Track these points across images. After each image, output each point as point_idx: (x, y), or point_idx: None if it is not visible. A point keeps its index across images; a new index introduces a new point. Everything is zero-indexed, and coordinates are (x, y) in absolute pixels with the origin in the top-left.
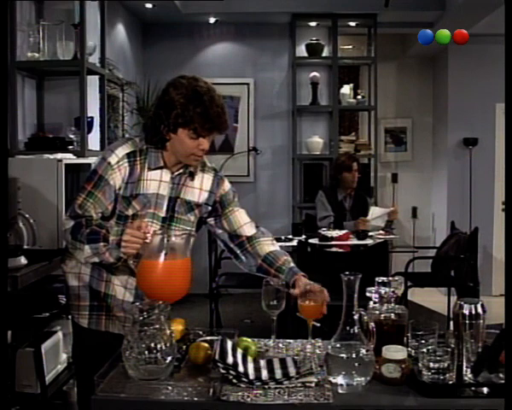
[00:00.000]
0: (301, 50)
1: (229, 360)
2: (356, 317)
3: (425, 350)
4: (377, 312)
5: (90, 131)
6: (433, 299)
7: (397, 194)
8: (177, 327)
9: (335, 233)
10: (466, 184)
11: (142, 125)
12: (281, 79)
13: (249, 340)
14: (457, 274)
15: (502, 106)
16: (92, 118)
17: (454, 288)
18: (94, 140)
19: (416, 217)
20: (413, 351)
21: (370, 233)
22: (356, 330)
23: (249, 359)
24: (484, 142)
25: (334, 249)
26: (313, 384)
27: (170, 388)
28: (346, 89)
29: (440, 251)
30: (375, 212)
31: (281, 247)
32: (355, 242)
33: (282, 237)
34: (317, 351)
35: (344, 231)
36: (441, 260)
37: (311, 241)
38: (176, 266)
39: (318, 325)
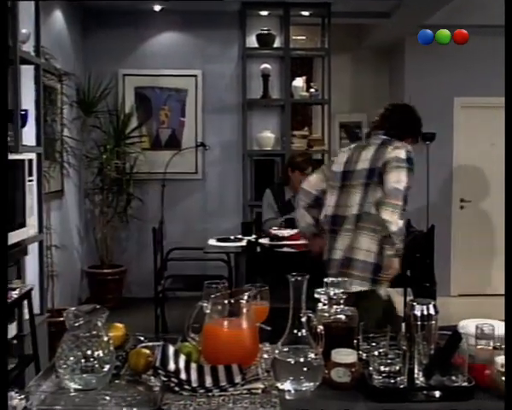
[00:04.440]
0: (252, 41)
1: (171, 366)
2: (304, 320)
3: (376, 353)
4: (326, 314)
5: (24, 125)
6: None
7: None
8: (117, 333)
9: (287, 232)
10: (423, 180)
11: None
12: (230, 71)
13: (192, 345)
14: (413, 274)
15: (460, 100)
16: (27, 111)
17: (410, 288)
18: (29, 135)
19: None
20: (364, 354)
21: None
22: (304, 334)
23: (193, 365)
24: (442, 137)
25: (285, 249)
26: (259, 391)
27: (108, 398)
28: (299, 81)
29: None
30: None
31: (230, 247)
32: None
33: (232, 237)
34: (265, 356)
35: (296, 230)
36: None
37: (261, 241)
38: (241, 334)
39: (269, 328)
